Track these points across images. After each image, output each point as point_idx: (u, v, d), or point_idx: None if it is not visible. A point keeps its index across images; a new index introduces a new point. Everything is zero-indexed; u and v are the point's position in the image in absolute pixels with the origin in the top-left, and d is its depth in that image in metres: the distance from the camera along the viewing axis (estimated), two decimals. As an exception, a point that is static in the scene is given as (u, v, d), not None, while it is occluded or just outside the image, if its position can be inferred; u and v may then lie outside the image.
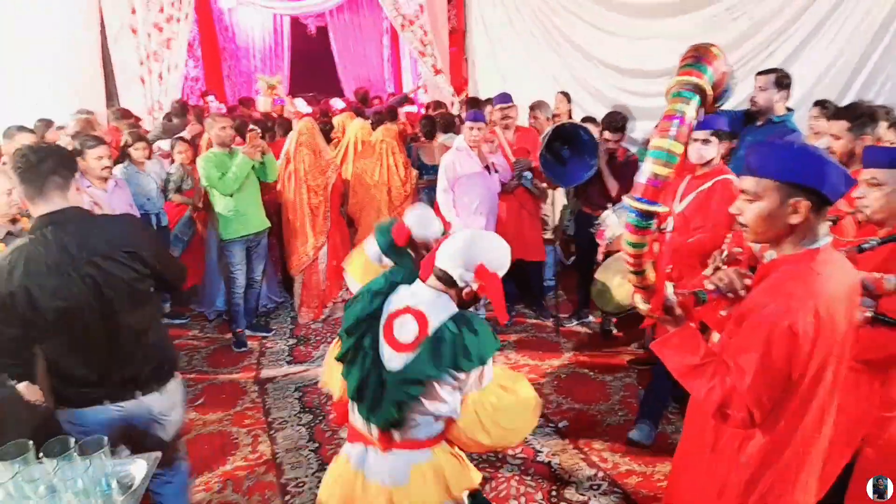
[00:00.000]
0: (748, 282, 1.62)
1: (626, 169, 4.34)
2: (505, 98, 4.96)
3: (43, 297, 2.01)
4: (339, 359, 1.87)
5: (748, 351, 1.48)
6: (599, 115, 5.02)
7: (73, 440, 1.58)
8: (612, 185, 4.35)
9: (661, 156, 1.53)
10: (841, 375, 1.58)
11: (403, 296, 1.83)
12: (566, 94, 6.31)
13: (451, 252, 1.79)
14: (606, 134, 4.41)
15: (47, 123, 5.24)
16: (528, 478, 3.12)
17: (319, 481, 3.10)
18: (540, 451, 3.32)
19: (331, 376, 2.10)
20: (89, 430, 2.13)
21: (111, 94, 7.32)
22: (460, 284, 1.80)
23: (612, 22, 6.26)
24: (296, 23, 13.23)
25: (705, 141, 3.09)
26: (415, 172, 5.36)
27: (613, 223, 3.65)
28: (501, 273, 1.80)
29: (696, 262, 2.94)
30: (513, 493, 3.01)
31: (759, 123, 3.74)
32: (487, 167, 4.55)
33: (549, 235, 5.26)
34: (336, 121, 6.31)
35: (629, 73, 6.13)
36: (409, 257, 2.07)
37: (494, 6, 7.72)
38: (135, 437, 2.21)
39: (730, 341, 1.62)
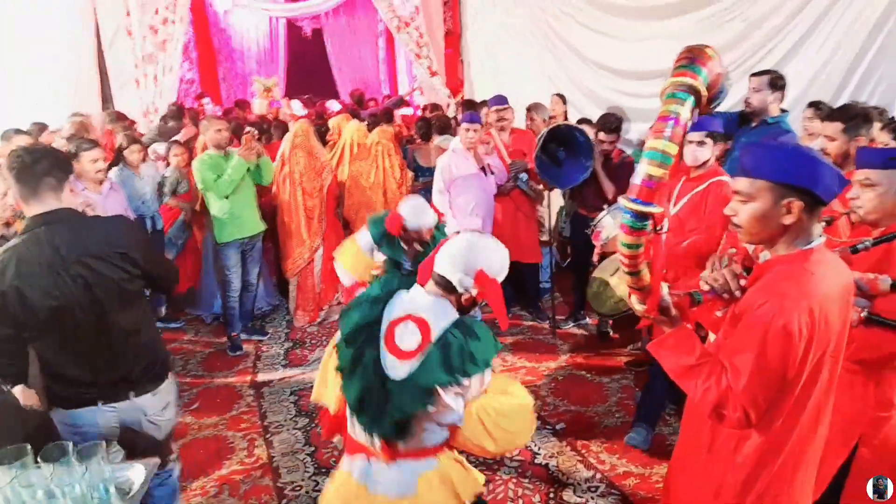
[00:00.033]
0: (743, 282, 1.63)
1: (621, 170, 4.33)
2: (500, 100, 4.95)
3: (34, 296, 2.02)
4: (340, 370, 1.82)
5: (743, 351, 1.49)
6: (594, 117, 5.03)
7: (71, 445, 1.57)
8: (608, 187, 4.34)
9: (655, 157, 1.53)
10: (836, 375, 1.59)
11: (403, 302, 1.80)
12: (562, 96, 6.34)
13: (449, 257, 1.77)
14: (602, 135, 4.41)
15: (41, 127, 5.24)
16: (526, 480, 3.12)
17: (316, 485, 3.13)
18: (538, 454, 3.32)
19: (325, 389, 2.06)
20: (83, 431, 2.15)
21: (106, 97, 7.30)
22: (460, 290, 1.78)
23: (607, 24, 6.27)
24: (291, 25, 13.24)
25: (700, 143, 3.10)
26: (410, 174, 5.36)
27: (609, 224, 3.65)
28: (501, 278, 1.79)
29: (692, 264, 2.95)
30: (511, 495, 3.01)
31: (753, 125, 3.76)
32: (483, 169, 4.54)
33: (545, 237, 5.25)
34: (332, 123, 6.28)
35: (624, 74, 6.14)
36: (400, 249, 2.05)
37: (490, 8, 7.73)
38: (128, 437, 2.21)
39: (725, 342, 1.63)
